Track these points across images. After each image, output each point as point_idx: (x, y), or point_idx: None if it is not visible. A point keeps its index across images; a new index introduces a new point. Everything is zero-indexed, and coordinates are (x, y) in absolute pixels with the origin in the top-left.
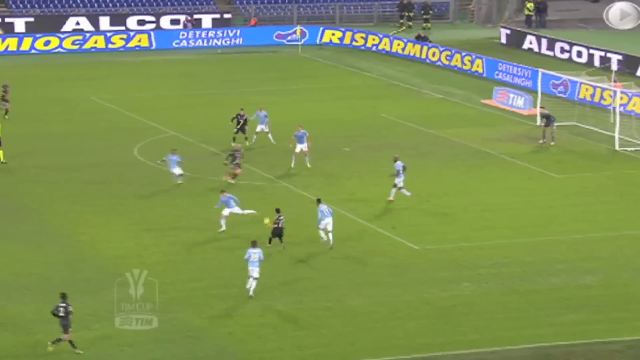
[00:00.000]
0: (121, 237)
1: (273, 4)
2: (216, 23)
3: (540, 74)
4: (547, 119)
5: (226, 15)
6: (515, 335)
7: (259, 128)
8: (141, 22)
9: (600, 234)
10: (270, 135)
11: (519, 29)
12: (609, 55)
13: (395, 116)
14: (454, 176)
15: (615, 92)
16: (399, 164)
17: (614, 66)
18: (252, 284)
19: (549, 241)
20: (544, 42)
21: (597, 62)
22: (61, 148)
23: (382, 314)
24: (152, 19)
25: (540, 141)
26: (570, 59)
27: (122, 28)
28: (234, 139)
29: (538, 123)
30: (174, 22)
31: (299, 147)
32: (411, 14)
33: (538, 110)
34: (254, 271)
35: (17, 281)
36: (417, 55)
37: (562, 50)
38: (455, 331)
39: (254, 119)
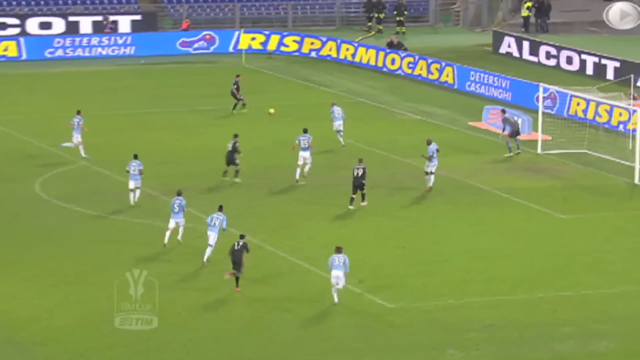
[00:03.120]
0: (19, 294)
1: (210, 2)
2: (137, 26)
3: (541, 89)
4: (511, 125)
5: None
6: None
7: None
8: (2, 26)
9: (617, 288)
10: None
11: (513, 33)
12: (603, 61)
13: (363, 142)
14: (436, 216)
15: (632, 111)
16: (432, 147)
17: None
18: (336, 291)
19: (554, 298)
20: (527, 47)
21: (590, 70)
22: None
23: None
24: (16, 22)
25: (507, 154)
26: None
27: None
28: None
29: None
30: (45, 25)
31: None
32: (382, 16)
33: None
34: (341, 280)
35: None
36: (389, 66)
37: (548, 56)
38: None
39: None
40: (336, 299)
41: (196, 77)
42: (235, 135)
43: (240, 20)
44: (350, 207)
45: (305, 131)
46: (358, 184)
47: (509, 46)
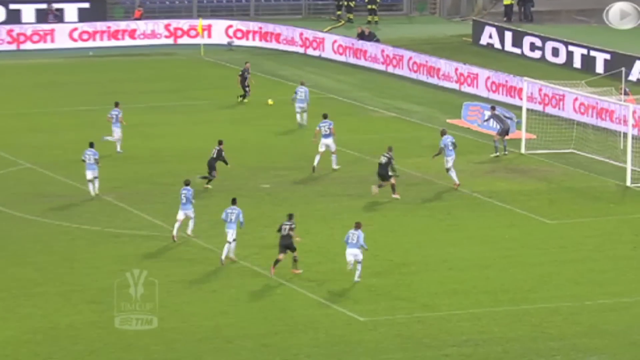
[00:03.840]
0: None
1: None
2: (84, 15)
3: (525, 85)
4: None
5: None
6: None
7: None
8: None
9: (608, 300)
10: (304, 115)
11: (495, 23)
12: (592, 53)
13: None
14: (411, 222)
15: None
16: (446, 139)
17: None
18: (356, 268)
19: (539, 310)
20: (510, 38)
21: (578, 63)
22: None
23: None
24: None
25: (494, 155)
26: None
27: None
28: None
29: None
30: None
31: (323, 145)
32: (352, 4)
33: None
34: (356, 255)
35: None
36: (361, 58)
37: (533, 47)
38: None
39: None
40: (357, 278)
41: (151, 71)
42: (220, 142)
43: (198, 9)
44: (375, 191)
45: (325, 117)
46: (382, 173)
47: (490, 37)
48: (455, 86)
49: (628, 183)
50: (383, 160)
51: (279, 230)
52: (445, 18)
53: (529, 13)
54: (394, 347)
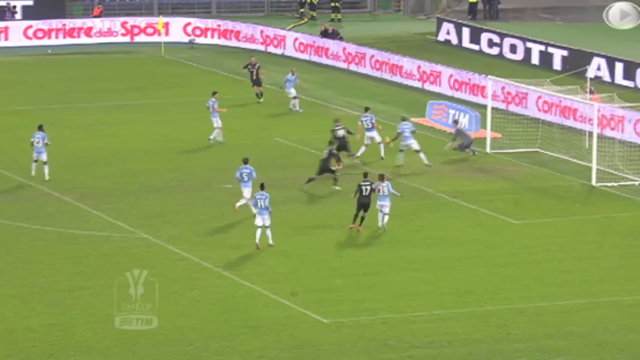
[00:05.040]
0: None
1: None
2: (28, 12)
3: (490, 83)
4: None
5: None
6: None
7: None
8: None
9: (574, 300)
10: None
11: (460, 21)
12: (550, 50)
13: (295, 141)
14: (376, 222)
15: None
16: (402, 125)
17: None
18: (383, 219)
19: (505, 311)
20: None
21: (535, 59)
22: None
23: None
24: None
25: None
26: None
27: None
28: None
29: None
30: None
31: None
32: (315, 1)
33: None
34: (386, 207)
35: None
36: (323, 56)
37: (491, 44)
38: None
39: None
40: (380, 224)
41: (111, 69)
42: (331, 142)
43: (158, 7)
44: (356, 158)
45: (366, 110)
46: (342, 144)
47: (448, 33)
48: (419, 84)
49: (593, 182)
50: (342, 133)
51: (359, 191)
52: (409, 15)
53: (494, 11)
54: (358, 349)
